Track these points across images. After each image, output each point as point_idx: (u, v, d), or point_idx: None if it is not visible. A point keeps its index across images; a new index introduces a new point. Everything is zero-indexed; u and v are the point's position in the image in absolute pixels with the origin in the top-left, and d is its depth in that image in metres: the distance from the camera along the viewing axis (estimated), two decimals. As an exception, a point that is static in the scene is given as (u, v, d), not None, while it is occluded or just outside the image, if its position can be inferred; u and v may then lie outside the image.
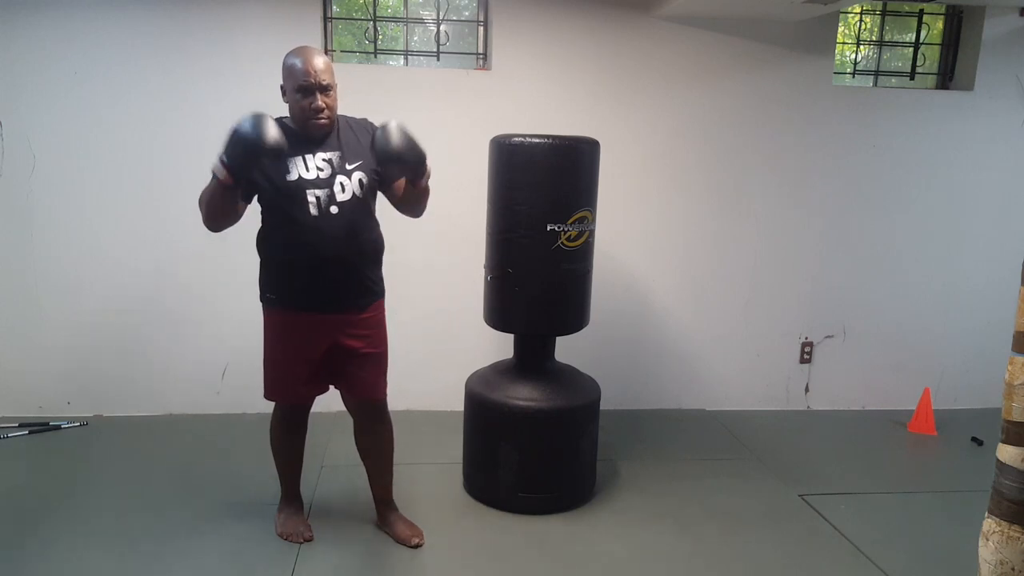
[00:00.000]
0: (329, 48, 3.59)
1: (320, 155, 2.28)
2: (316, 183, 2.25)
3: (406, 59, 3.73)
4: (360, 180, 2.32)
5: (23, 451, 3.21)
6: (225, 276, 3.51)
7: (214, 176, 2.12)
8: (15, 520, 2.63)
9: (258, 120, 2.06)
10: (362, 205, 2.34)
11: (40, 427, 3.41)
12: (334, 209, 2.26)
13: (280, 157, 2.15)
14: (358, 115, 2.48)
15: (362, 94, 3.40)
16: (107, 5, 3.30)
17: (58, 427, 3.44)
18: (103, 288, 3.51)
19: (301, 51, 2.24)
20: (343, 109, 2.39)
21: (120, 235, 3.48)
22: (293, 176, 2.23)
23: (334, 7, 3.60)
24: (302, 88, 2.20)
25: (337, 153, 2.30)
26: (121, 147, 3.41)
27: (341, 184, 2.28)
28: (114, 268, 3.50)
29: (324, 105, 2.22)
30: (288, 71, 2.22)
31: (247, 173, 2.14)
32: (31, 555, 2.42)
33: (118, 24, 3.32)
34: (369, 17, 3.63)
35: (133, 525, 2.61)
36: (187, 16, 3.34)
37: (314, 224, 2.24)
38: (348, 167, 2.31)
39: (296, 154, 2.24)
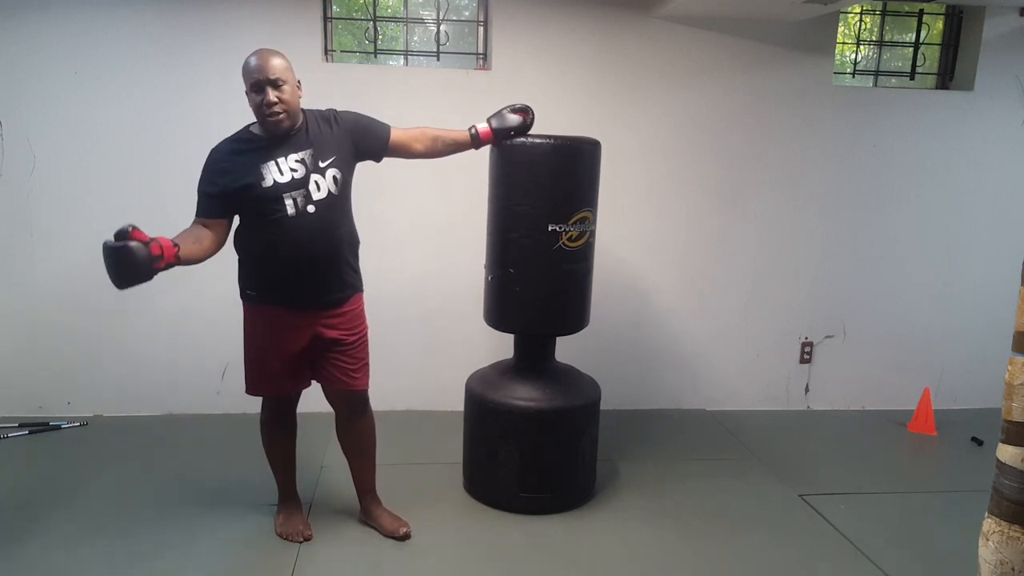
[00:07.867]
0: (329, 48, 3.59)
1: (292, 156, 2.27)
2: (291, 185, 2.25)
3: (406, 59, 3.73)
4: (334, 177, 2.32)
5: (23, 451, 3.22)
6: (224, 276, 3.49)
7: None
8: (15, 520, 2.63)
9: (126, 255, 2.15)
10: (338, 202, 2.35)
11: (40, 427, 3.42)
12: (311, 208, 2.27)
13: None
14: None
15: (362, 94, 3.43)
16: (108, 5, 3.30)
17: (58, 427, 3.44)
18: (103, 288, 3.48)
19: (255, 52, 2.23)
20: (345, 108, 2.40)
21: (120, 235, 3.47)
22: (268, 183, 2.23)
23: (334, 7, 3.60)
24: (254, 85, 2.20)
25: (308, 151, 2.29)
26: (121, 147, 3.41)
27: (316, 183, 2.29)
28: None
29: (276, 99, 2.19)
30: (243, 72, 2.22)
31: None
32: (31, 555, 2.42)
33: (118, 24, 3.32)
34: (369, 17, 3.63)
35: (133, 525, 2.61)
36: (187, 16, 3.34)
37: (291, 224, 2.25)
38: (321, 164, 2.30)
39: (268, 159, 2.24)
